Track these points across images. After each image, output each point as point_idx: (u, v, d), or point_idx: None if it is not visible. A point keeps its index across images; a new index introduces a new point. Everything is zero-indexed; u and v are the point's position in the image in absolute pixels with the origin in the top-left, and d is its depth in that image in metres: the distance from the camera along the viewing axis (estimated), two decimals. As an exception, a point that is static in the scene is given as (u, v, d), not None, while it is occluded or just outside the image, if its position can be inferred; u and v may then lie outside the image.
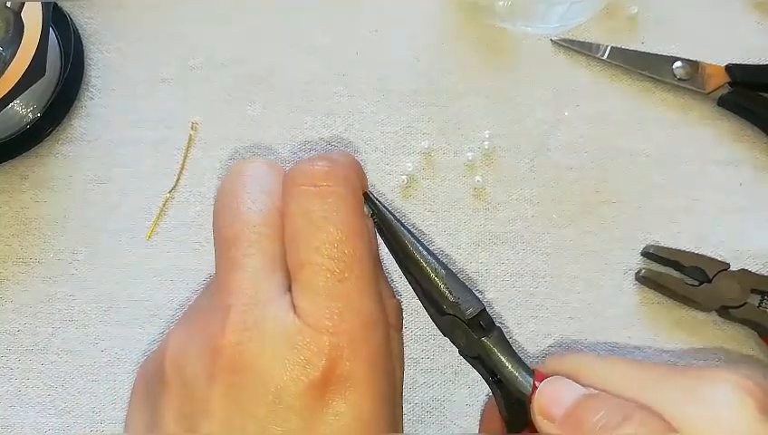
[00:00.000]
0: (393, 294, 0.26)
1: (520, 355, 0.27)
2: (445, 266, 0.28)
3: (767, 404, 0.24)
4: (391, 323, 0.24)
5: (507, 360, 0.27)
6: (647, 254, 0.41)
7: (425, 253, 0.27)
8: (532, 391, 0.26)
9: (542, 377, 0.27)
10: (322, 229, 0.23)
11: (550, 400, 0.25)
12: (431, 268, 0.27)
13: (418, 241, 0.27)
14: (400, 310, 0.26)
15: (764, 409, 0.23)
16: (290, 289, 0.23)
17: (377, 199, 0.27)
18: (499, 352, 0.27)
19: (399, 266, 0.28)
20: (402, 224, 0.27)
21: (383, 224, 0.27)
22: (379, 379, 0.22)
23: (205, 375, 0.21)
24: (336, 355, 0.21)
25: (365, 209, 0.26)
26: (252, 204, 0.24)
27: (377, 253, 0.25)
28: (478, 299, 0.27)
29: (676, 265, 0.40)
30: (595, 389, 0.26)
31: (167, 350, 0.23)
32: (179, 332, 0.23)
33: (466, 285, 0.28)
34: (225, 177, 0.25)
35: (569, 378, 0.27)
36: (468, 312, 0.27)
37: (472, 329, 0.27)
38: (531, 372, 0.27)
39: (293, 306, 0.22)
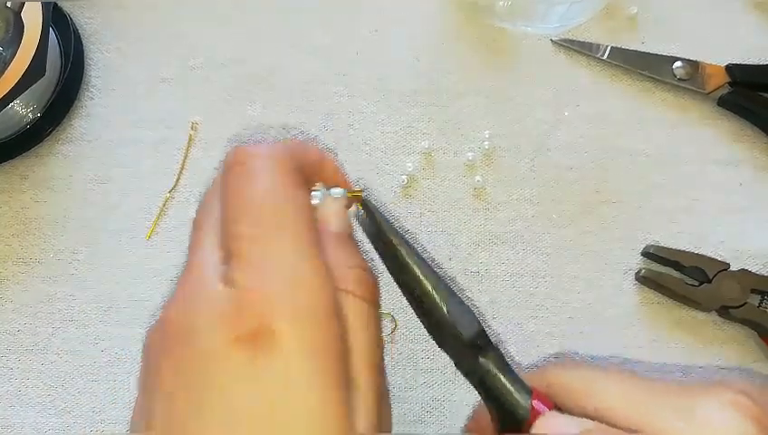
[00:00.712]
0: (361, 264, 0.25)
1: (516, 373, 0.27)
2: (443, 282, 0.27)
3: (764, 423, 0.23)
4: (349, 290, 0.23)
5: (505, 381, 0.26)
6: (647, 254, 0.41)
7: (423, 267, 0.26)
8: (531, 416, 0.26)
9: (539, 397, 0.26)
10: (244, 200, 0.23)
11: None
12: (430, 285, 0.26)
13: (416, 253, 0.27)
14: (369, 282, 0.24)
15: (761, 428, 0.23)
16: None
17: (375, 209, 0.27)
18: (497, 372, 0.26)
19: (393, 278, 0.27)
20: (399, 235, 0.27)
21: (378, 234, 0.27)
22: (311, 338, 0.21)
23: (159, 350, 0.22)
24: (260, 313, 0.21)
25: (358, 215, 0.27)
26: (212, 201, 0.25)
27: (312, 219, 0.24)
28: (476, 319, 0.27)
29: (676, 265, 0.40)
30: (590, 407, 0.26)
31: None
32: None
33: (464, 303, 0.27)
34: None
35: (566, 391, 0.27)
36: (466, 333, 0.26)
37: (469, 348, 0.26)
38: (529, 392, 0.26)
39: (228, 278, 0.22)
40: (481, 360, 0.26)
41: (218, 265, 0.23)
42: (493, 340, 0.27)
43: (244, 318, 0.21)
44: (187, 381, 0.21)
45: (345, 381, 0.21)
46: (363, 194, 0.28)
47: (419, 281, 0.26)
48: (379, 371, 0.23)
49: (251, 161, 0.24)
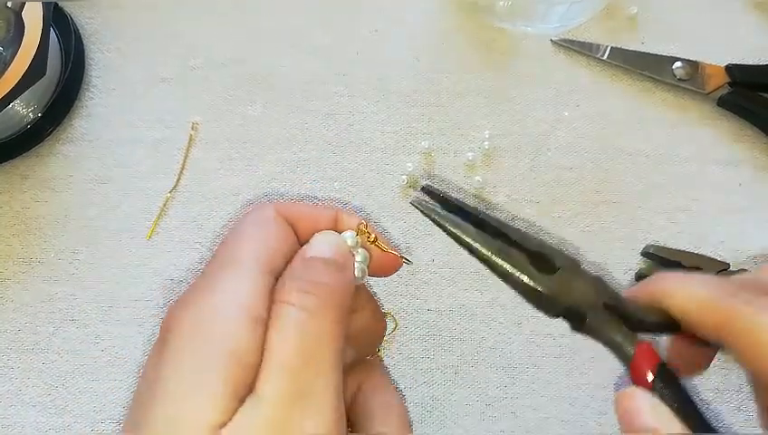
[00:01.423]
0: (314, 278, 0.25)
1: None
2: (514, 251, 0.26)
3: None
4: (286, 300, 0.24)
5: (612, 333, 0.26)
6: (646, 254, 0.41)
7: (488, 244, 0.26)
8: (632, 358, 0.25)
9: (641, 345, 0.26)
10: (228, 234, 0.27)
11: (625, 415, 0.25)
12: (504, 262, 0.26)
13: (477, 233, 0.27)
14: (317, 295, 0.25)
15: None
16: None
17: (422, 205, 0.27)
18: (604, 327, 0.26)
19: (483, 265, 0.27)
20: (453, 221, 0.27)
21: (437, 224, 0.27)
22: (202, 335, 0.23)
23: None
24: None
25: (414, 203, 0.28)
26: None
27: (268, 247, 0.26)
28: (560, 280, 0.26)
29: (675, 265, 0.40)
30: (683, 308, 0.26)
31: None
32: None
33: (552, 262, 0.27)
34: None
35: (661, 298, 0.27)
36: (563, 307, 0.26)
37: (571, 318, 0.26)
38: (634, 341, 0.26)
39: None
40: (588, 321, 0.26)
41: None
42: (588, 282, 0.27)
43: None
44: None
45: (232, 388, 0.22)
46: (365, 224, 0.29)
47: (492, 263, 0.26)
48: (301, 373, 0.22)
49: (246, 215, 0.27)
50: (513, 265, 0.27)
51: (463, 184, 0.43)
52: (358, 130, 0.44)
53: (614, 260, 0.41)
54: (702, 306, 0.26)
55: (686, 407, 0.25)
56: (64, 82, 0.43)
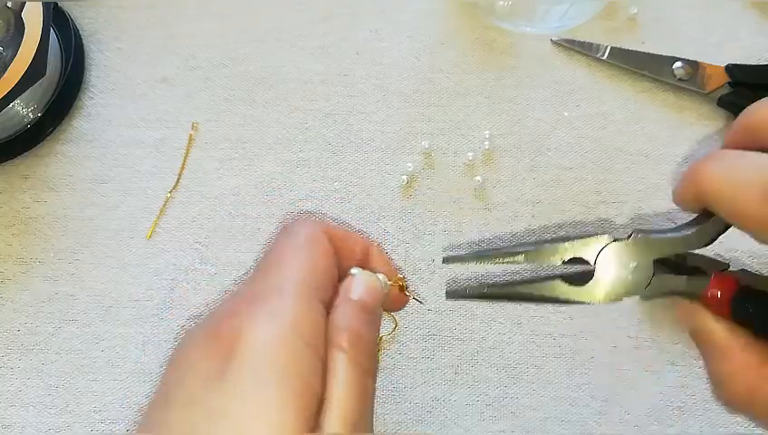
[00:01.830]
0: (359, 330, 0.27)
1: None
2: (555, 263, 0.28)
3: None
4: (341, 347, 0.26)
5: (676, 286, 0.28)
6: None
7: (524, 290, 0.29)
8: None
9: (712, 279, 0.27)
10: (276, 253, 0.28)
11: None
12: (552, 298, 0.28)
13: (508, 291, 0.29)
14: (364, 349, 0.27)
15: None
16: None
17: (456, 294, 0.31)
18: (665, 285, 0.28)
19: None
20: (489, 294, 0.30)
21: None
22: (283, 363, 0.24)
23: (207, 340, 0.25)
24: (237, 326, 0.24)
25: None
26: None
27: (317, 283, 0.28)
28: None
29: (675, 264, 0.40)
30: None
31: None
32: None
33: (585, 259, 0.28)
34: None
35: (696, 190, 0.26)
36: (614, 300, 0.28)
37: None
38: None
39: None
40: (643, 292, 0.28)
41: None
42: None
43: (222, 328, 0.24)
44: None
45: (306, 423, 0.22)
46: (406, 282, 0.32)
47: (535, 299, 0.29)
48: (356, 428, 0.24)
49: (297, 229, 0.29)
50: (555, 294, 0.28)
51: (463, 184, 0.43)
52: (358, 130, 0.44)
53: (614, 260, 0.41)
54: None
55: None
56: (64, 82, 0.43)
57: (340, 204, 0.42)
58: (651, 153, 0.43)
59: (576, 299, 0.28)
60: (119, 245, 0.42)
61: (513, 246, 0.29)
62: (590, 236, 0.28)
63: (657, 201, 0.42)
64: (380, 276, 0.31)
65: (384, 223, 0.42)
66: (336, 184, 0.43)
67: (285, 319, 0.24)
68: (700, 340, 0.27)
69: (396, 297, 0.32)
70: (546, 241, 0.29)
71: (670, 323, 0.40)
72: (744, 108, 0.42)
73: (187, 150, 0.44)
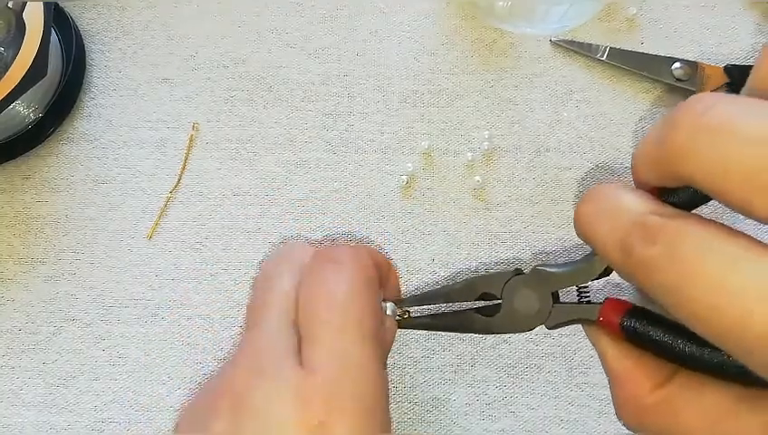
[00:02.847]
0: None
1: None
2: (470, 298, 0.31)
3: None
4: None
5: (571, 317, 0.29)
6: (646, 254, 0.41)
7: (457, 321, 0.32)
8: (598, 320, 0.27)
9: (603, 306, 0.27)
10: (330, 293, 0.27)
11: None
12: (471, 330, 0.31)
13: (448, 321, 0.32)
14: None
15: None
16: (299, 345, 0.27)
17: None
18: (561, 318, 0.29)
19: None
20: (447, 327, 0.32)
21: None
22: (369, 414, 0.25)
23: (209, 412, 0.25)
24: (330, 394, 0.25)
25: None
26: (279, 283, 0.29)
27: (379, 321, 0.29)
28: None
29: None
30: None
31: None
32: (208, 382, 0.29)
33: (493, 294, 0.31)
34: (270, 256, 0.31)
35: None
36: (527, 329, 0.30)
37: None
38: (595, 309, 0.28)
39: (300, 356, 0.26)
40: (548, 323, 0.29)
41: (290, 345, 0.26)
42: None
43: (316, 397, 0.24)
44: None
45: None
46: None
47: (458, 329, 0.32)
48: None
49: (343, 261, 0.29)
50: (474, 326, 0.31)
51: (462, 184, 0.43)
52: (358, 131, 0.44)
53: (613, 260, 0.41)
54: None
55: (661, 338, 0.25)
56: (65, 82, 0.43)
57: (340, 204, 0.43)
58: (650, 153, 0.43)
59: (490, 329, 0.30)
60: (119, 245, 0.42)
61: (436, 289, 0.32)
62: (497, 272, 0.31)
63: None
64: (389, 306, 0.32)
65: (384, 223, 0.42)
66: (336, 184, 0.43)
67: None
68: (602, 364, 0.27)
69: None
70: (462, 280, 0.32)
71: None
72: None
73: (188, 151, 0.44)
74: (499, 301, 0.30)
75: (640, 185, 0.23)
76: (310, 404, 0.24)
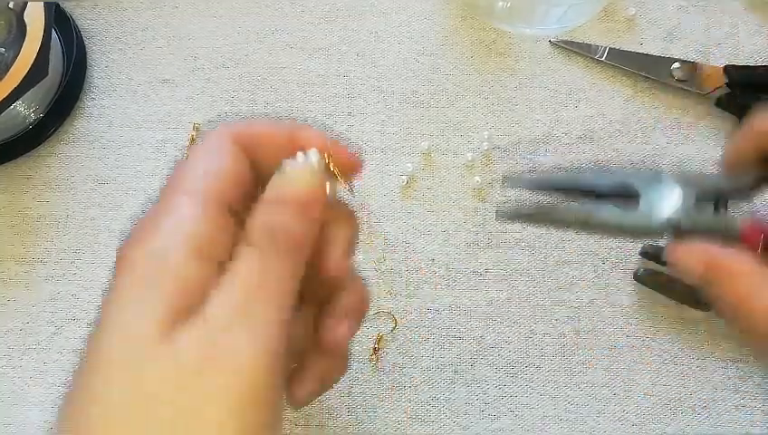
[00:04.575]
0: (273, 219, 0.25)
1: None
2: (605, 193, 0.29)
3: None
4: (250, 242, 0.24)
5: (711, 225, 0.28)
6: (645, 254, 0.41)
7: (574, 216, 0.29)
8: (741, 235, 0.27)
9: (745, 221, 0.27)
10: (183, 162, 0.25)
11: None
12: (599, 227, 0.28)
13: (559, 212, 0.30)
14: (281, 235, 0.24)
15: None
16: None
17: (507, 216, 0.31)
18: (701, 224, 0.28)
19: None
20: (535, 215, 0.30)
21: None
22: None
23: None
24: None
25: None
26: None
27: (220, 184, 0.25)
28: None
29: (674, 264, 0.40)
30: None
31: None
32: None
33: (635, 189, 0.28)
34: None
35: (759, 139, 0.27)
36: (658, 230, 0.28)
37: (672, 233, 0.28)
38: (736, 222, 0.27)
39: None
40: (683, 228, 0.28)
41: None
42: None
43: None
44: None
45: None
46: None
47: (581, 223, 0.29)
48: (246, 314, 0.23)
49: (200, 142, 0.26)
50: (602, 220, 0.28)
51: (462, 184, 0.43)
52: (358, 131, 0.44)
53: (613, 260, 0.41)
54: None
55: None
56: (66, 82, 0.43)
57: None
58: (649, 153, 0.43)
59: (621, 227, 0.28)
60: (120, 245, 0.42)
61: (570, 173, 0.30)
62: (633, 170, 0.30)
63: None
64: (311, 153, 0.26)
65: (384, 223, 0.42)
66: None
67: (165, 228, 0.23)
68: (718, 273, 0.26)
69: (343, 165, 0.28)
70: (599, 168, 0.30)
71: (668, 322, 0.40)
72: (743, 109, 0.43)
73: (189, 151, 0.44)
74: (639, 195, 0.28)
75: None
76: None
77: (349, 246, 0.28)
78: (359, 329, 0.28)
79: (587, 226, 0.29)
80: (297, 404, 0.27)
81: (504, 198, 0.30)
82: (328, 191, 0.26)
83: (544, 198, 0.31)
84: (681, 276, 0.27)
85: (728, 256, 0.26)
